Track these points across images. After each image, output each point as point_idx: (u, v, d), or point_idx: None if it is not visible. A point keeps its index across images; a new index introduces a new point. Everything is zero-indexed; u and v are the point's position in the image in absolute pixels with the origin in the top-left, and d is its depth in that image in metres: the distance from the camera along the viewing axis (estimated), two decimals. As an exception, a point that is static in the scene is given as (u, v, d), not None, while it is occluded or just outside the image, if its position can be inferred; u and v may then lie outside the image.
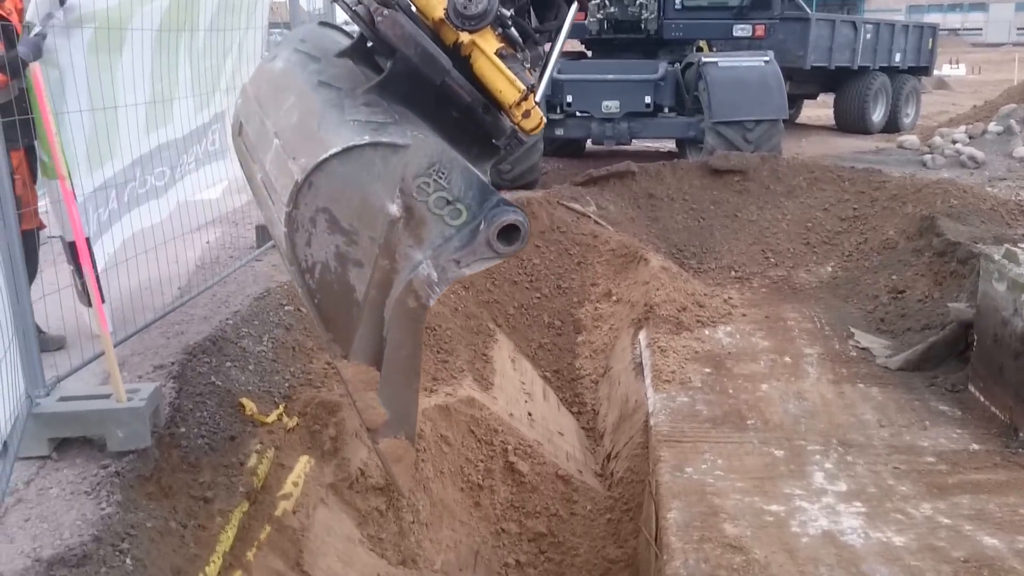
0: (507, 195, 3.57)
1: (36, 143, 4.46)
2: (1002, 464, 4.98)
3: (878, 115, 17.64)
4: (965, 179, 11.05)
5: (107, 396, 3.78)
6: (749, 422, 5.60)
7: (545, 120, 3.41)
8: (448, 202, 3.15)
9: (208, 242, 7.33)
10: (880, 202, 9.52)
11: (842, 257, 9.01)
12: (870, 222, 9.30)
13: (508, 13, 3.36)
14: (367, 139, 3.03)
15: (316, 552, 4.25)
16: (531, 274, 8.58)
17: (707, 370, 6.45)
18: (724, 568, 4.01)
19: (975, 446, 5.20)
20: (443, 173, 3.12)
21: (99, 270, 4.66)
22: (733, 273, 9.08)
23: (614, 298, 8.27)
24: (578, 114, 12.03)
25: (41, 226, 5.02)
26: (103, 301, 4.10)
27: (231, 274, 6.36)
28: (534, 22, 3.69)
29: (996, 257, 5.73)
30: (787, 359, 6.67)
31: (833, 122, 18.34)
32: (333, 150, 3.00)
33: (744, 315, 7.70)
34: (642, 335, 7.11)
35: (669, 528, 4.36)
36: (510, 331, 7.91)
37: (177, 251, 5.90)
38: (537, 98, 3.38)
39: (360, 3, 3.33)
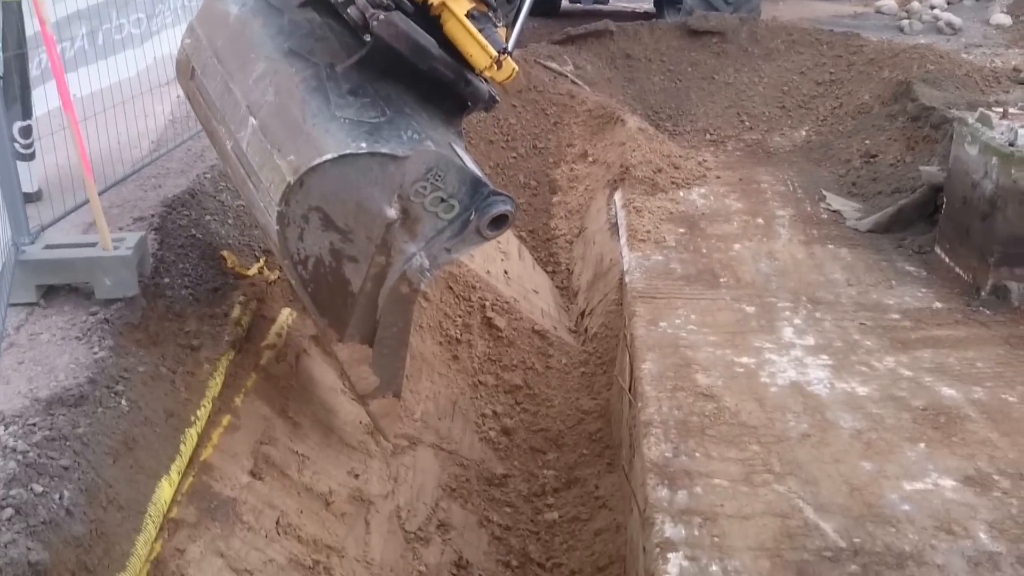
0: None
1: None
2: (963, 321, 5.18)
3: (857, -22, 17.29)
4: (941, 45, 10.98)
5: (93, 244, 3.78)
6: (722, 280, 5.73)
7: (517, 70, 3.40)
8: (442, 200, 3.22)
9: (178, 96, 7.15)
10: (857, 67, 9.48)
11: (817, 121, 9.02)
12: (846, 86, 9.28)
13: None
14: (364, 147, 3.03)
15: (301, 400, 4.36)
16: (507, 134, 8.52)
17: (681, 230, 6.54)
18: (696, 414, 4.20)
19: (938, 304, 5.39)
20: (439, 175, 3.17)
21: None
22: (708, 136, 9.08)
23: (590, 159, 8.27)
24: None
25: None
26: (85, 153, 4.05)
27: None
28: None
29: (970, 121, 5.78)
30: (759, 220, 6.77)
31: (811, -15, 17.99)
32: (328, 156, 2.99)
33: (718, 177, 7.75)
34: (617, 196, 7.16)
35: (644, 378, 4.52)
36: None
37: (147, 105, 5.78)
38: (509, 48, 3.35)
39: (353, 3, 3.24)
